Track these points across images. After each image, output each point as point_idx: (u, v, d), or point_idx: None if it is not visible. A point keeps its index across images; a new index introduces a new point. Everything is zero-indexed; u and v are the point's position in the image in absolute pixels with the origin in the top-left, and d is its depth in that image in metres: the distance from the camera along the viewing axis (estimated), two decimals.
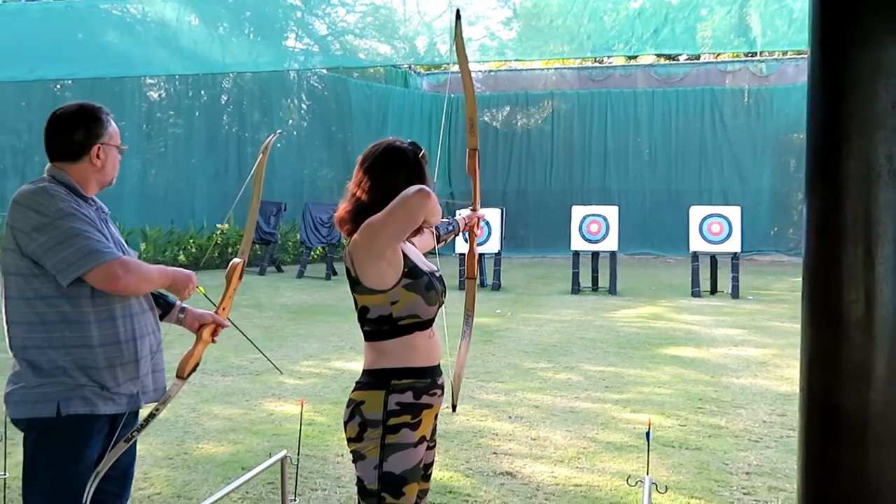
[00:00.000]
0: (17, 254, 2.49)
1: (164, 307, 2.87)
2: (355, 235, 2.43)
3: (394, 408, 2.40)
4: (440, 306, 2.55)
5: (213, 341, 2.83)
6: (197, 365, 2.77)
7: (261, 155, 2.98)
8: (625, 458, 4.82)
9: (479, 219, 3.27)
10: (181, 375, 2.74)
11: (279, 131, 3.37)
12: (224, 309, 2.86)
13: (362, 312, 2.47)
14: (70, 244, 2.43)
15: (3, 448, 3.44)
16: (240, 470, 4.36)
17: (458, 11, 2.93)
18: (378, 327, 2.45)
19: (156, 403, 2.74)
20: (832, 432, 1.86)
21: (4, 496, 3.56)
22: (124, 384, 2.58)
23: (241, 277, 2.84)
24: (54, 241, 2.43)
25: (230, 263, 2.83)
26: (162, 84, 18.94)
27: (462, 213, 3.31)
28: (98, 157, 2.62)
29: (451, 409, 3.04)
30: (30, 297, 2.49)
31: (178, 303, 2.86)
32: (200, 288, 2.81)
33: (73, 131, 2.60)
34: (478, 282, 13.49)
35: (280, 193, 18.12)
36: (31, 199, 2.48)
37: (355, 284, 2.45)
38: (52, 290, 2.47)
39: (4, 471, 3.44)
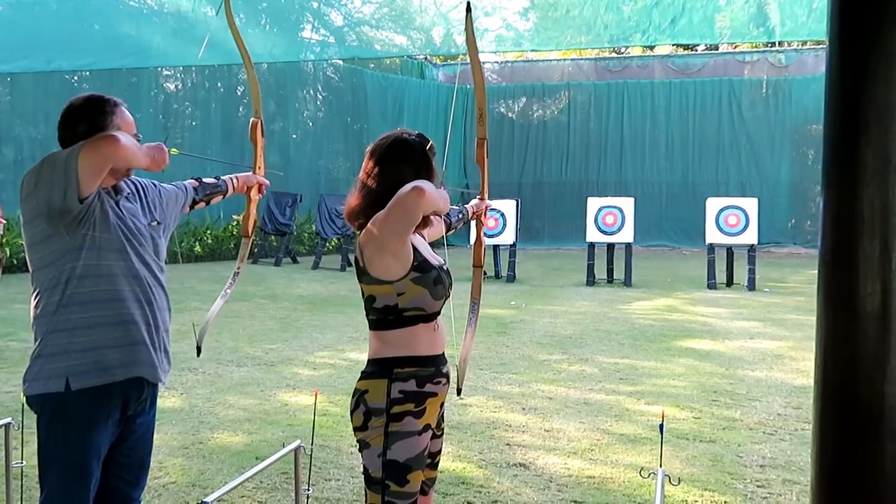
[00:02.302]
0: (31, 223, 2.54)
1: (223, 191, 3.24)
2: (367, 226, 2.45)
3: (397, 396, 2.42)
4: (446, 300, 2.57)
5: (259, 197, 3.45)
6: (256, 222, 3.51)
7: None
8: (638, 450, 4.81)
9: (486, 207, 3.30)
10: (246, 235, 3.50)
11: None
12: (259, 168, 3.44)
13: (369, 301, 2.50)
14: (57, 156, 2.48)
15: (20, 437, 3.48)
16: (254, 460, 4.39)
17: (468, 4, 2.95)
18: (384, 317, 2.47)
19: (236, 267, 3.44)
20: (847, 425, 1.85)
21: (22, 484, 3.59)
22: (126, 348, 2.59)
23: (263, 135, 3.47)
24: (49, 170, 2.46)
25: (250, 123, 3.46)
26: (178, 75, 19.03)
27: (471, 202, 3.34)
28: None
29: (456, 394, 3.07)
30: (45, 264, 2.54)
31: (228, 180, 3.29)
32: (174, 150, 2.92)
33: (77, 125, 2.61)
34: (492, 272, 13.62)
35: (296, 184, 18.17)
36: (31, 170, 2.53)
37: (363, 274, 2.48)
38: (70, 245, 2.51)
39: (22, 459, 3.48)
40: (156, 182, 2.95)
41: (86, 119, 2.61)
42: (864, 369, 1.80)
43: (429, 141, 2.57)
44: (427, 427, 2.48)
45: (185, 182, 3.12)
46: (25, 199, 2.53)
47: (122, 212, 2.65)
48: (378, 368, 2.47)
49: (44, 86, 15.93)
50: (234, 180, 3.33)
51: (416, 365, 2.46)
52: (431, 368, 2.50)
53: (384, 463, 2.41)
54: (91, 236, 2.54)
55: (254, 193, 3.44)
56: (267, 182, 3.48)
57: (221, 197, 3.27)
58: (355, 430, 2.50)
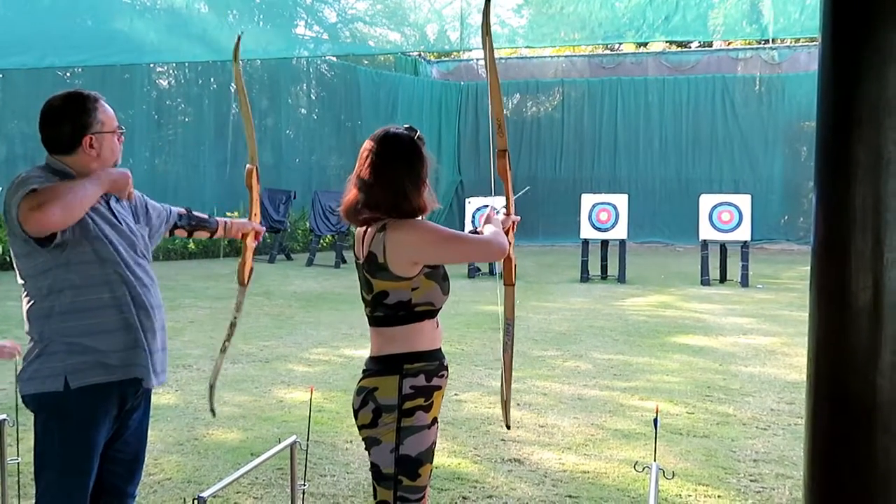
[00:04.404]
0: (12, 237, 2.52)
1: (211, 228, 3.21)
2: (408, 230, 2.44)
3: (408, 391, 2.44)
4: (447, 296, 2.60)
5: (255, 244, 3.44)
6: (252, 270, 3.47)
7: (234, 65, 3.51)
8: (632, 445, 4.83)
9: (514, 223, 3.01)
10: (242, 283, 3.43)
11: (240, 34, 3.61)
12: (256, 215, 3.43)
13: (379, 297, 2.48)
14: (12, 198, 2.40)
15: (15, 433, 3.47)
16: (249, 456, 4.39)
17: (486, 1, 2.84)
18: (394, 312, 2.47)
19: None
20: (840, 418, 1.87)
21: (18, 481, 3.59)
22: (126, 351, 2.59)
23: (258, 181, 3.42)
24: (9, 202, 2.41)
25: (246, 170, 3.38)
26: (171, 72, 18.96)
27: (499, 217, 3.12)
28: (91, 146, 2.59)
29: (506, 428, 3.19)
30: (34, 275, 2.53)
31: (220, 220, 3.27)
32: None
33: (60, 125, 2.57)
34: (487, 269, 13.59)
35: (289, 181, 18.13)
36: (5, 189, 2.50)
37: (380, 270, 2.45)
38: (49, 262, 2.49)
39: (18, 455, 3.48)
40: (141, 193, 2.89)
41: (70, 118, 2.57)
42: (856, 363, 1.81)
43: (416, 130, 2.58)
44: (434, 420, 2.52)
45: (171, 206, 3.10)
46: (4, 215, 2.51)
47: (113, 216, 2.63)
48: (385, 366, 2.48)
49: (36, 82, 15.83)
50: (228, 224, 3.31)
51: (423, 360, 2.49)
52: (436, 362, 2.53)
53: (397, 458, 2.43)
54: (79, 252, 2.51)
55: (249, 241, 3.42)
56: (262, 229, 3.46)
57: (207, 234, 3.23)
58: (362, 427, 2.49)
